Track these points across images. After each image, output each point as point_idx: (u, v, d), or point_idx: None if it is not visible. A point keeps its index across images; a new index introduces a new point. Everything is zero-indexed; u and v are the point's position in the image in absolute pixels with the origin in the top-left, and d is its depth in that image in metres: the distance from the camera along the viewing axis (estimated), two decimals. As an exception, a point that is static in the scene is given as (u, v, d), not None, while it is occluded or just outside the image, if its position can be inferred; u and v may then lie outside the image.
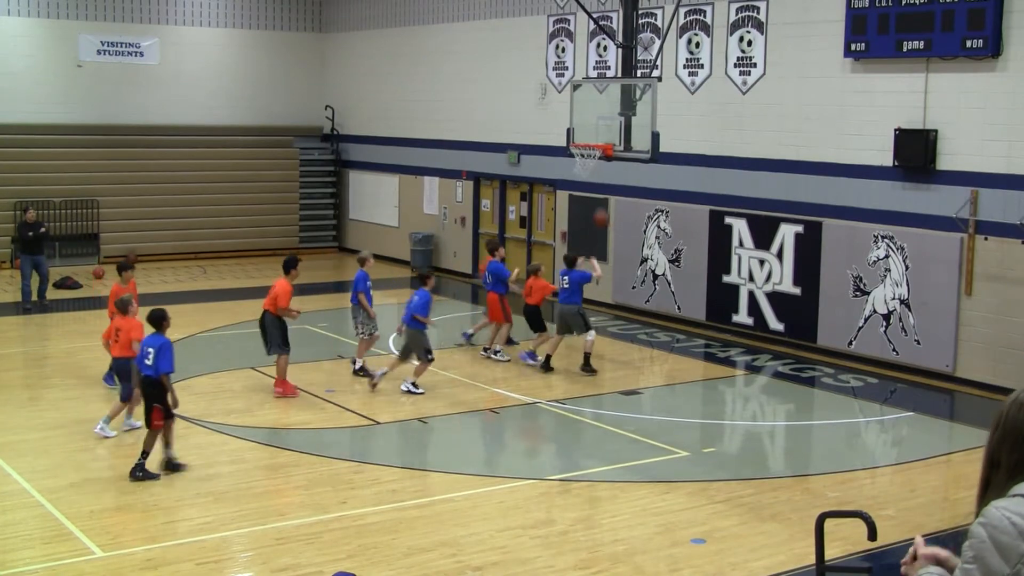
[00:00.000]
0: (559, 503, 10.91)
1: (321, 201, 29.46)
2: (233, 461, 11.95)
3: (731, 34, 18.76)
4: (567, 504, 10.87)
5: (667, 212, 19.90)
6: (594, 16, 18.71)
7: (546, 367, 16.14)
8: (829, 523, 7.51)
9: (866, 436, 14.04)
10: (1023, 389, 3.26)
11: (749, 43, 18.46)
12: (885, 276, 16.44)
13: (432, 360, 14.85)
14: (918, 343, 16.06)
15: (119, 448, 12.29)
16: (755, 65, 18.38)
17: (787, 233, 17.86)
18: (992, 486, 3.23)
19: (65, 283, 22.68)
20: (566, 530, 10.03)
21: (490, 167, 24.17)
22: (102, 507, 10.44)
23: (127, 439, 12.51)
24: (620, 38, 17.20)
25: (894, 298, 16.34)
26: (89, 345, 17.28)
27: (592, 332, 16.06)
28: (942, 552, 3.33)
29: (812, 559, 7.77)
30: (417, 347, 14.77)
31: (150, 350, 11.28)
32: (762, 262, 18.28)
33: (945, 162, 15.69)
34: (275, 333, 14.52)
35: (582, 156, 16.08)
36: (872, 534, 7.01)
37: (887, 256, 16.38)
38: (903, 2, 15.76)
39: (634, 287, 20.60)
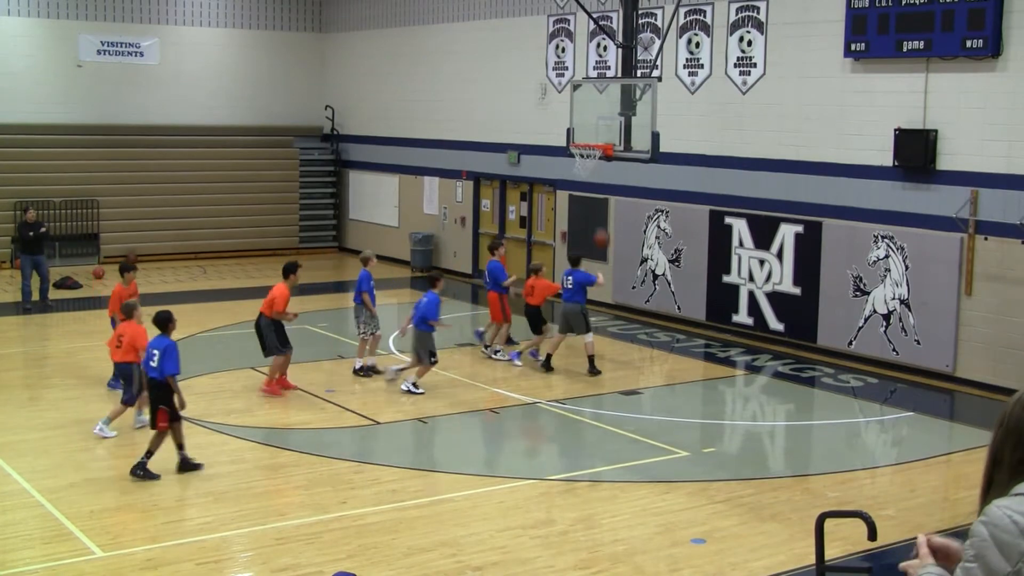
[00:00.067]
0: (559, 503, 10.91)
1: (321, 201, 29.46)
2: (233, 461, 11.95)
3: (731, 34, 18.76)
4: (567, 504, 10.87)
5: (667, 212, 19.90)
6: (594, 16, 18.71)
7: (546, 367, 16.14)
8: (829, 523, 7.51)
9: (866, 436, 14.04)
10: None
11: (749, 43, 18.46)
12: (885, 276, 16.44)
13: (435, 363, 14.88)
14: (918, 343, 16.06)
15: (119, 448, 12.29)
16: (755, 65, 18.38)
17: (787, 233, 17.86)
18: (995, 484, 3.25)
19: (65, 283, 22.68)
20: (566, 530, 10.03)
21: (490, 167, 24.17)
22: (102, 507, 10.44)
23: (135, 438, 12.51)
24: (620, 38, 17.19)
25: (894, 298, 16.34)
26: (89, 345, 17.29)
27: (591, 334, 16.07)
28: (953, 544, 3.35)
29: (812, 559, 7.77)
30: (422, 348, 14.79)
31: (155, 352, 11.28)
32: (762, 262, 18.28)
33: (945, 162, 15.69)
34: (271, 336, 14.52)
35: (582, 156, 16.07)
36: (872, 534, 7.01)
37: (887, 256, 16.38)
38: (903, 2, 15.76)
39: (634, 287, 20.60)
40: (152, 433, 11.35)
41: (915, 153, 15.82)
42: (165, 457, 11.33)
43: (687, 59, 19.52)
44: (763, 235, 18.22)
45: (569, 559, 9.33)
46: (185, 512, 10.53)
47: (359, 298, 15.77)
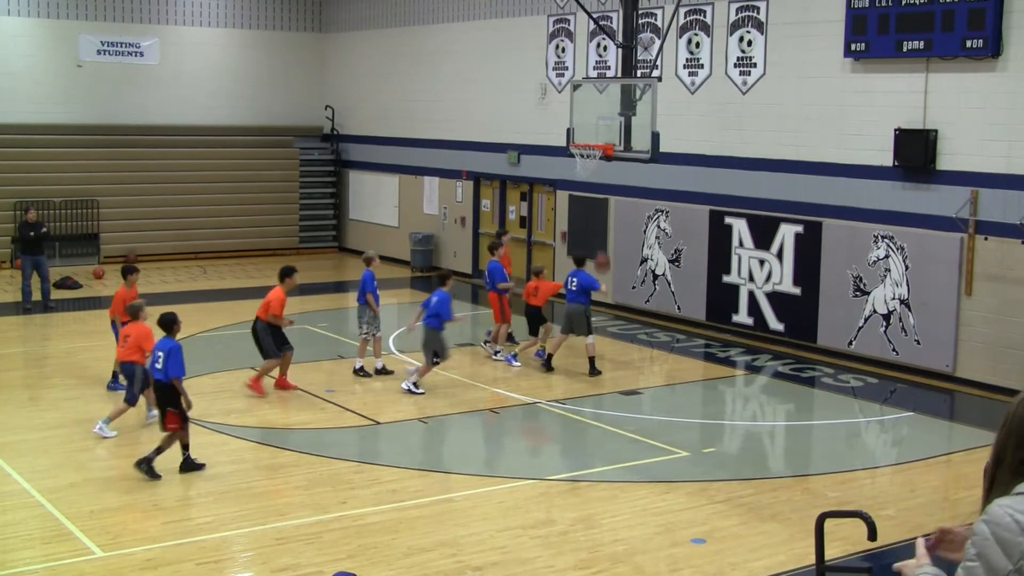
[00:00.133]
0: (559, 503, 10.91)
1: (321, 201, 29.46)
2: (233, 461, 11.95)
3: (731, 34, 18.76)
4: (567, 504, 10.87)
5: (667, 212, 19.90)
6: (594, 16, 18.71)
7: (547, 366, 16.15)
8: (829, 523, 7.51)
9: (866, 436, 14.04)
10: None
11: (749, 43, 18.46)
12: (885, 276, 16.44)
13: (436, 364, 14.91)
14: (918, 343, 16.06)
15: (119, 448, 12.29)
16: (755, 65, 18.38)
17: (787, 233, 17.86)
18: (997, 483, 3.28)
19: (65, 283, 22.69)
20: (566, 530, 10.03)
21: (490, 167, 24.17)
22: (102, 507, 10.44)
23: (135, 437, 12.51)
24: (620, 38, 17.19)
25: (894, 298, 16.33)
26: (89, 345, 17.30)
27: (592, 336, 16.07)
28: (963, 531, 3.37)
29: (812, 559, 7.77)
30: (428, 348, 14.82)
31: (160, 354, 11.31)
32: (762, 262, 18.28)
33: (945, 162, 15.69)
34: (268, 340, 14.51)
35: (582, 156, 16.07)
36: (872, 534, 7.01)
37: (887, 256, 16.38)
38: (903, 2, 15.75)
39: (634, 287, 20.60)
40: (161, 432, 11.38)
41: (915, 153, 15.82)
42: (167, 456, 11.34)
43: (687, 59, 19.52)
44: (763, 235, 18.22)
45: (569, 559, 9.33)
46: (185, 512, 10.53)
47: (363, 298, 15.78)
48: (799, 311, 17.70)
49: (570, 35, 21.99)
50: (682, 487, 11.27)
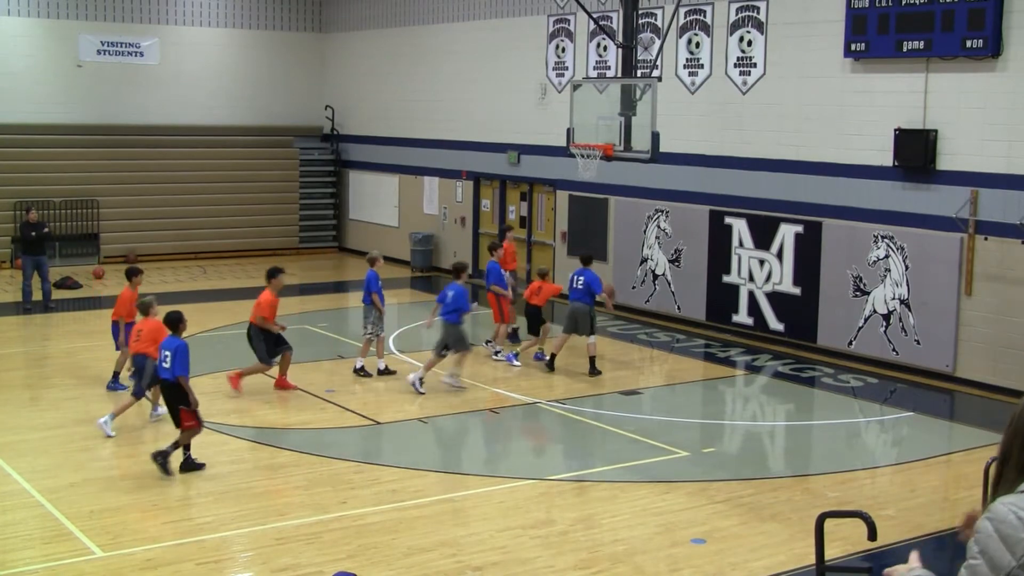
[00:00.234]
0: (559, 503, 10.91)
1: (321, 201, 29.47)
2: (233, 461, 11.95)
3: (731, 34, 18.76)
4: (567, 504, 10.87)
5: (667, 212, 19.90)
6: (594, 16, 18.71)
7: (549, 366, 16.16)
8: (829, 523, 7.52)
9: (866, 436, 14.04)
10: None
11: (749, 43, 18.46)
12: (885, 276, 16.44)
13: (443, 357, 14.92)
14: (918, 343, 16.06)
15: (119, 448, 12.30)
16: (755, 65, 18.38)
17: (787, 233, 17.86)
18: (1003, 481, 3.31)
19: (65, 283, 22.69)
20: (566, 530, 10.03)
21: (490, 167, 24.17)
22: (102, 507, 10.44)
23: (136, 437, 12.51)
24: (620, 38, 17.20)
25: (894, 298, 16.34)
26: (89, 345, 17.31)
27: (594, 336, 16.08)
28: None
29: (812, 559, 7.77)
30: (442, 340, 14.84)
31: (167, 353, 11.34)
32: (762, 262, 18.28)
33: (945, 162, 15.69)
34: (259, 345, 14.50)
35: (583, 156, 16.08)
36: (872, 534, 7.01)
37: (887, 256, 16.38)
38: (903, 2, 15.76)
39: (634, 287, 20.60)
40: (175, 431, 11.43)
41: (915, 153, 15.82)
42: (182, 459, 11.37)
43: (687, 59, 19.52)
44: (763, 235, 18.22)
45: (569, 559, 9.33)
46: (185, 512, 10.53)
47: (368, 299, 15.79)
48: (799, 311, 17.70)
49: (570, 35, 21.99)
50: (682, 487, 11.27)
